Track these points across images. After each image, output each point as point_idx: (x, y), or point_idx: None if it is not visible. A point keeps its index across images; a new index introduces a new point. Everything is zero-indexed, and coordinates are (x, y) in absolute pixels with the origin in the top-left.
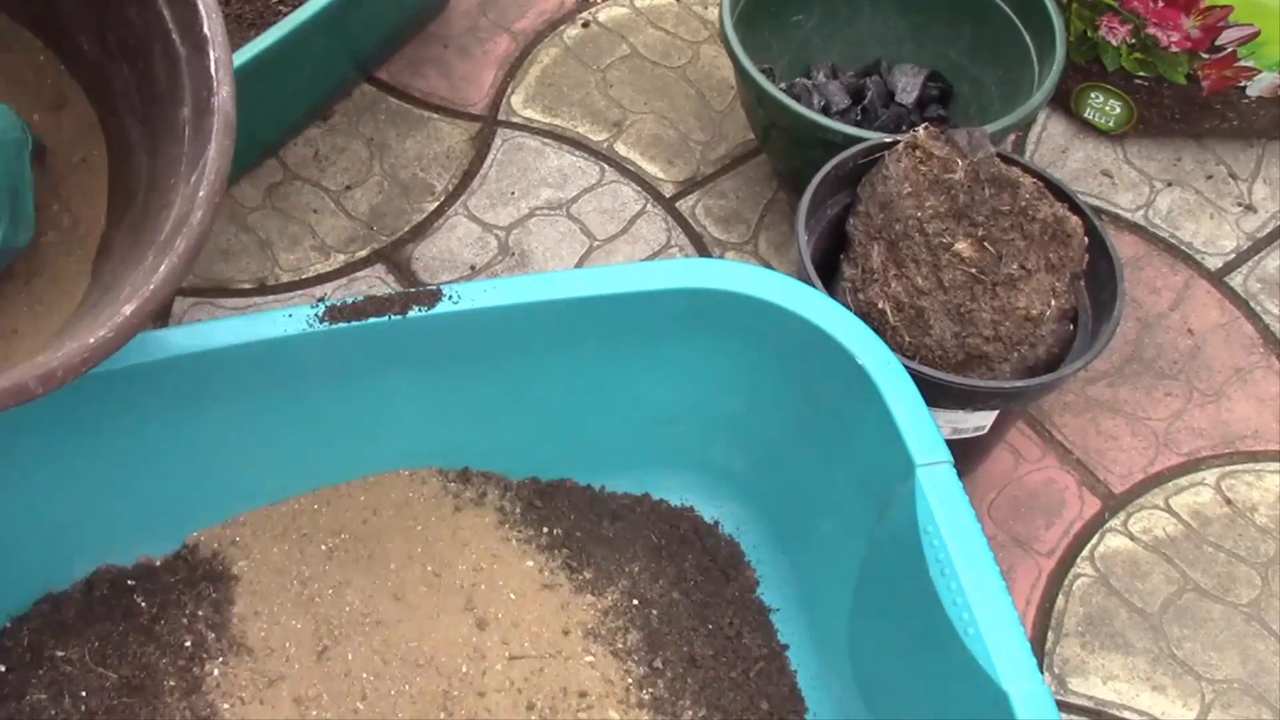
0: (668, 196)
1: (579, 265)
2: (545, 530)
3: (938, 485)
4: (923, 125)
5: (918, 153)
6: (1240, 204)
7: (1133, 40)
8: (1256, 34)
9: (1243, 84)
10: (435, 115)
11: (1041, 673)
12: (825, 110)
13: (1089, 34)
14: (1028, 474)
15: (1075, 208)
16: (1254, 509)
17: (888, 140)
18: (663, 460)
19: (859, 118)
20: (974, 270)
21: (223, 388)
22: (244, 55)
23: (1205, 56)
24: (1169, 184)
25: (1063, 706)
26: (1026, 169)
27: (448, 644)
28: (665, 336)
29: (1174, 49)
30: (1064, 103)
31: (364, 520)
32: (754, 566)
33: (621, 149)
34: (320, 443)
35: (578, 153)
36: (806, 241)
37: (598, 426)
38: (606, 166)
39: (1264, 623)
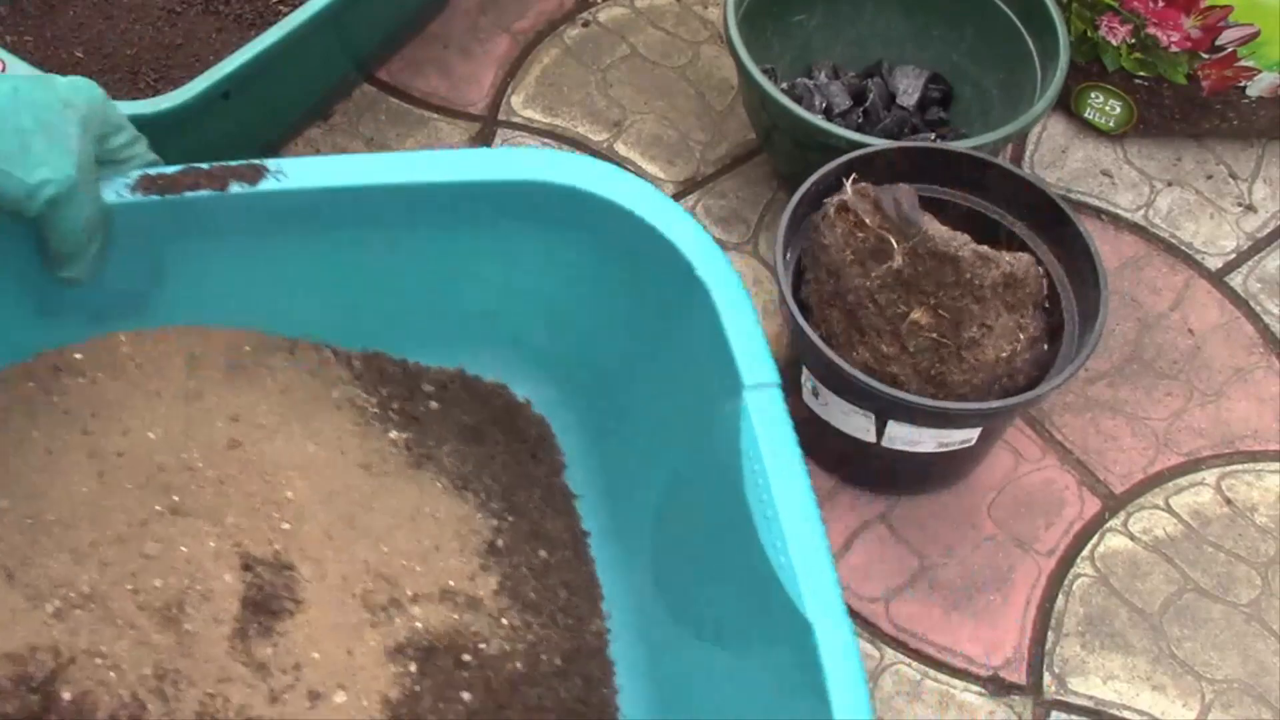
0: (668, 196)
1: None
2: (363, 403)
3: (763, 409)
4: (850, 183)
5: (850, 215)
6: (1240, 204)
7: (1133, 40)
8: (1256, 34)
9: (1243, 84)
10: (435, 115)
11: (1046, 672)
12: (827, 112)
13: (1089, 34)
14: (1027, 474)
15: (1059, 210)
16: (1254, 509)
17: (891, 146)
18: (477, 338)
19: (860, 120)
20: (934, 335)
21: None
22: (244, 55)
23: (1205, 56)
24: (1169, 184)
25: (1062, 706)
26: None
27: (253, 510)
28: (498, 225)
29: (1174, 49)
30: (1064, 103)
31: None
32: (563, 451)
33: (621, 149)
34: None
35: (578, 153)
36: (785, 271)
37: (416, 303)
38: None
39: (1264, 623)
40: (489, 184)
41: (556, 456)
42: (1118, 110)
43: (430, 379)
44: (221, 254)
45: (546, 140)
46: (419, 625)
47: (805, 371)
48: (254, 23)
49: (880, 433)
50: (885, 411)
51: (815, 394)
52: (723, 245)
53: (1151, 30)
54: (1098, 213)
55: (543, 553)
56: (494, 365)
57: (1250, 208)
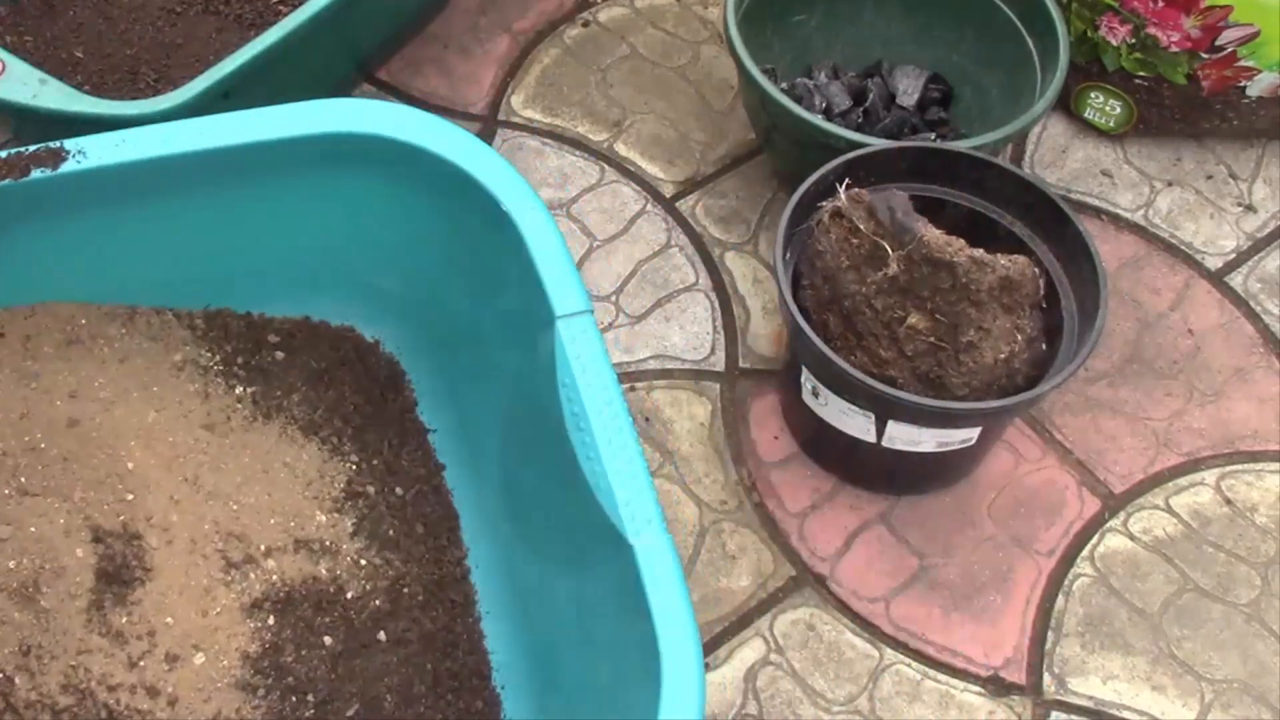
0: (668, 196)
1: (578, 266)
2: (207, 362)
3: (576, 337)
4: (843, 189)
5: (844, 222)
6: (1240, 204)
7: (1133, 40)
8: (1256, 34)
9: (1243, 84)
10: (435, 115)
11: (1046, 673)
12: (827, 112)
13: (1089, 34)
14: (1028, 474)
15: (1059, 210)
16: (1254, 509)
17: (891, 146)
18: (322, 284)
19: (860, 120)
20: (932, 339)
21: None
22: (243, 56)
23: (1205, 56)
24: (1169, 184)
25: (1062, 706)
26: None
27: (98, 484)
28: (312, 176)
29: (1174, 49)
30: (1064, 102)
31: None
32: (413, 387)
33: (621, 149)
34: None
35: (578, 153)
36: (785, 271)
37: (254, 258)
38: (606, 166)
39: (1264, 623)
40: (300, 139)
41: (408, 394)
42: (1118, 110)
43: (275, 329)
44: (44, 235)
45: (546, 140)
46: (274, 578)
47: (805, 371)
48: (254, 23)
49: (880, 432)
50: (885, 411)
51: (815, 394)
52: (722, 244)
53: (1151, 30)
54: (1098, 213)
55: (399, 490)
56: (341, 311)
57: (1250, 208)
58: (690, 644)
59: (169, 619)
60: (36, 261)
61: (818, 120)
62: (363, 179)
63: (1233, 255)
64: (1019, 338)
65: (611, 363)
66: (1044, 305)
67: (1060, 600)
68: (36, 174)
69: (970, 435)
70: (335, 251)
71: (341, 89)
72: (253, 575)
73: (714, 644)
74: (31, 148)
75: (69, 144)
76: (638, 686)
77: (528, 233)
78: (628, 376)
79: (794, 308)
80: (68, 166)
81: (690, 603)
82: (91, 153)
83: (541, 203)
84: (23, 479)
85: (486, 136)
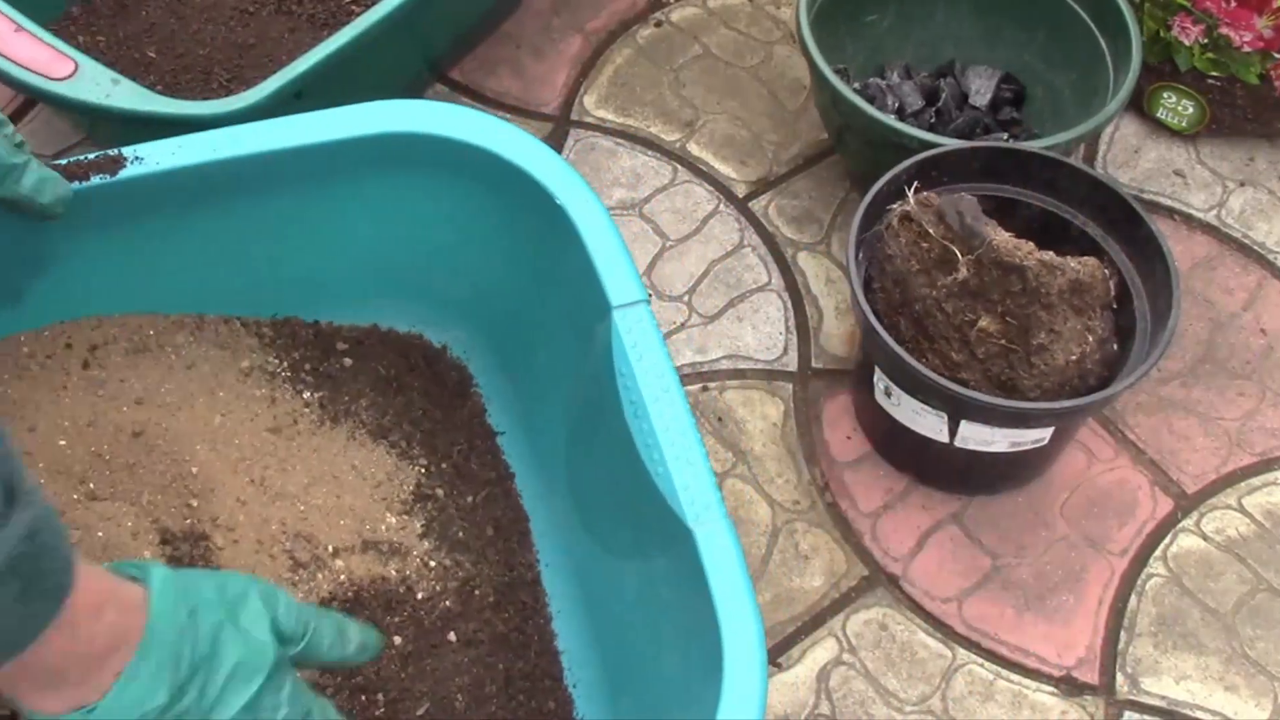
0: (740, 196)
1: (651, 266)
2: (274, 369)
3: (632, 326)
4: (911, 193)
5: (913, 226)
6: None
7: (1205, 40)
8: None
9: None
10: (508, 115)
11: (1119, 673)
12: (899, 112)
13: (1161, 34)
14: (1101, 474)
15: (1131, 210)
16: None
17: (963, 146)
18: (386, 290)
19: (933, 120)
20: (1003, 342)
21: None
22: (316, 56)
23: (1278, 56)
24: (1241, 184)
25: (1135, 706)
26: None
27: (164, 487)
28: (370, 179)
29: (1246, 49)
30: (1136, 103)
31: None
32: (481, 391)
33: (694, 149)
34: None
35: (650, 153)
36: (858, 272)
37: (318, 264)
38: (679, 167)
39: None
40: (354, 141)
41: (476, 398)
42: (1190, 110)
43: (344, 336)
44: (107, 243)
45: (619, 140)
46: (343, 578)
47: (878, 372)
48: (327, 23)
49: (953, 432)
50: (958, 411)
51: (888, 394)
52: (795, 245)
53: (1224, 30)
54: (1170, 213)
55: (469, 494)
56: (408, 317)
57: None
58: (752, 626)
59: None
60: (101, 271)
61: (890, 120)
62: (421, 181)
63: None
64: (1090, 339)
65: (669, 353)
66: (1116, 306)
67: (1133, 600)
68: (96, 180)
69: (1042, 435)
70: (397, 256)
71: (414, 89)
72: (320, 575)
73: (787, 644)
74: (90, 155)
75: (126, 150)
76: (703, 676)
77: (582, 226)
78: (700, 376)
79: (867, 309)
80: (126, 173)
81: (751, 585)
82: (149, 158)
83: (595, 196)
84: (90, 485)
85: (559, 136)
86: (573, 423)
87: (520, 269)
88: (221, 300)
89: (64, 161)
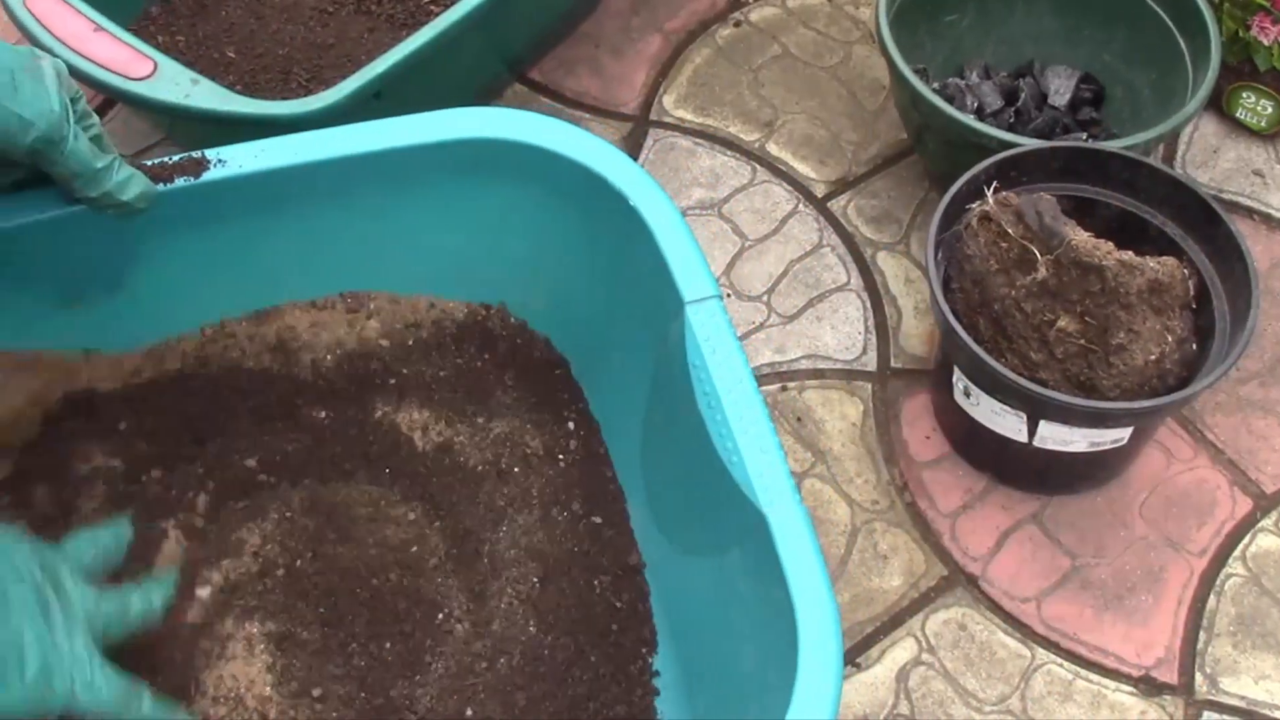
0: (819, 196)
1: (730, 265)
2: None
3: (705, 321)
4: (991, 193)
5: (992, 225)
6: None
7: None
8: None
9: None
10: (587, 115)
11: (1198, 672)
12: (979, 112)
13: (1240, 34)
14: (1179, 474)
15: (1210, 210)
16: None
17: (1043, 146)
18: (463, 297)
19: (1012, 120)
20: (1082, 342)
21: None
22: (395, 56)
23: None
24: None
25: (1215, 706)
26: (1157, 171)
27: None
28: (449, 184)
29: None
30: (1215, 102)
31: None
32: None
33: (773, 149)
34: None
35: (729, 153)
36: (937, 272)
37: (398, 274)
38: (758, 166)
39: None
40: (436, 145)
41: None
42: (1269, 110)
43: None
44: (192, 245)
45: (698, 140)
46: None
47: (957, 371)
48: (406, 23)
49: (1032, 432)
50: (1037, 411)
51: (967, 394)
52: (874, 245)
53: None
54: (1249, 213)
55: (558, 463)
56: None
57: None
58: (826, 606)
59: None
60: (180, 271)
61: (970, 120)
62: (499, 187)
63: None
64: (1169, 339)
65: (741, 346)
66: (1195, 306)
67: (1212, 600)
68: (180, 182)
69: (1121, 435)
70: (475, 262)
71: (493, 89)
72: None
73: (866, 644)
74: (175, 157)
75: (210, 153)
76: (779, 666)
77: (655, 226)
78: (779, 376)
79: (946, 309)
80: (209, 175)
81: (825, 568)
82: (232, 161)
83: (668, 197)
84: None
85: (638, 137)
86: (648, 423)
87: (595, 272)
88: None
89: (150, 163)
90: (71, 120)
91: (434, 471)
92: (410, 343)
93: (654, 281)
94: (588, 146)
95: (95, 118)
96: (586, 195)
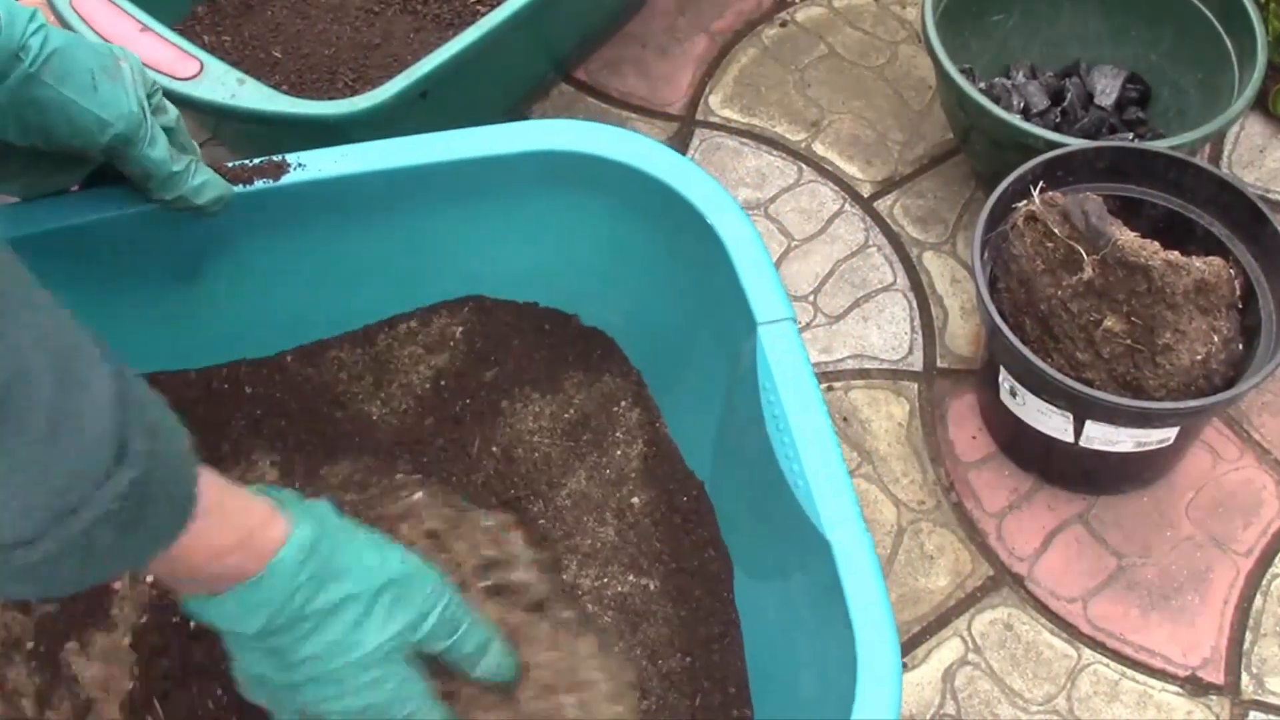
0: (865, 196)
1: (776, 266)
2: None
3: (777, 343)
4: (1037, 193)
5: (1038, 226)
6: None
7: None
8: None
9: None
10: (633, 115)
11: (1244, 673)
12: (1025, 112)
13: None
14: (1226, 474)
15: (1256, 210)
16: None
17: (1089, 146)
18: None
19: (1058, 119)
20: (1128, 342)
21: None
22: (441, 56)
23: None
24: None
25: (1261, 706)
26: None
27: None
28: (523, 197)
29: None
30: (1261, 103)
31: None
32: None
33: (819, 149)
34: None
35: (775, 152)
36: (983, 272)
37: (471, 283)
38: (804, 166)
39: None
40: (512, 157)
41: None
42: None
43: None
44: (269, 246)
45: (744, 140)
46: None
47: (1003, 371)
48: (452, 23)
49: (1078, 432)
50: (1083, 411)
51: (1013, 394)
52: (920, 244)
53: None
54: None
55: (619, 461)
56: None
57: None
58: (888, 640)
59: None
60: (258, 274)
61: (1016, 120)
62: (576, 200)
63: None
64: (1215, 339)
65: (812, 365)
66: (1241, 306)
67: (1258, 600)
68: (259, 184)
69: (1168, 435)
70: (551, 275)
71: (539, 89)
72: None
73: (912, 644)
74: (255, 160)
75: (290, 156)
76: (836, 696)
77: (730, 243)
78: (825, 376)
79: (992, 309)
80: (289, 178)
81: (889, 600)
82: (311, 165)
83: (744, 212)
84: None
85: (684, 136)
86: (717, 443)
87: (669, 289)
88: (369, 311)
89: (230, 165)
90: (149, 121)
91: (521, 481)
92: (493, 357)
93: (728, 301)
94: (666, 162)
95: (172, 110)
96: (664, 212)
